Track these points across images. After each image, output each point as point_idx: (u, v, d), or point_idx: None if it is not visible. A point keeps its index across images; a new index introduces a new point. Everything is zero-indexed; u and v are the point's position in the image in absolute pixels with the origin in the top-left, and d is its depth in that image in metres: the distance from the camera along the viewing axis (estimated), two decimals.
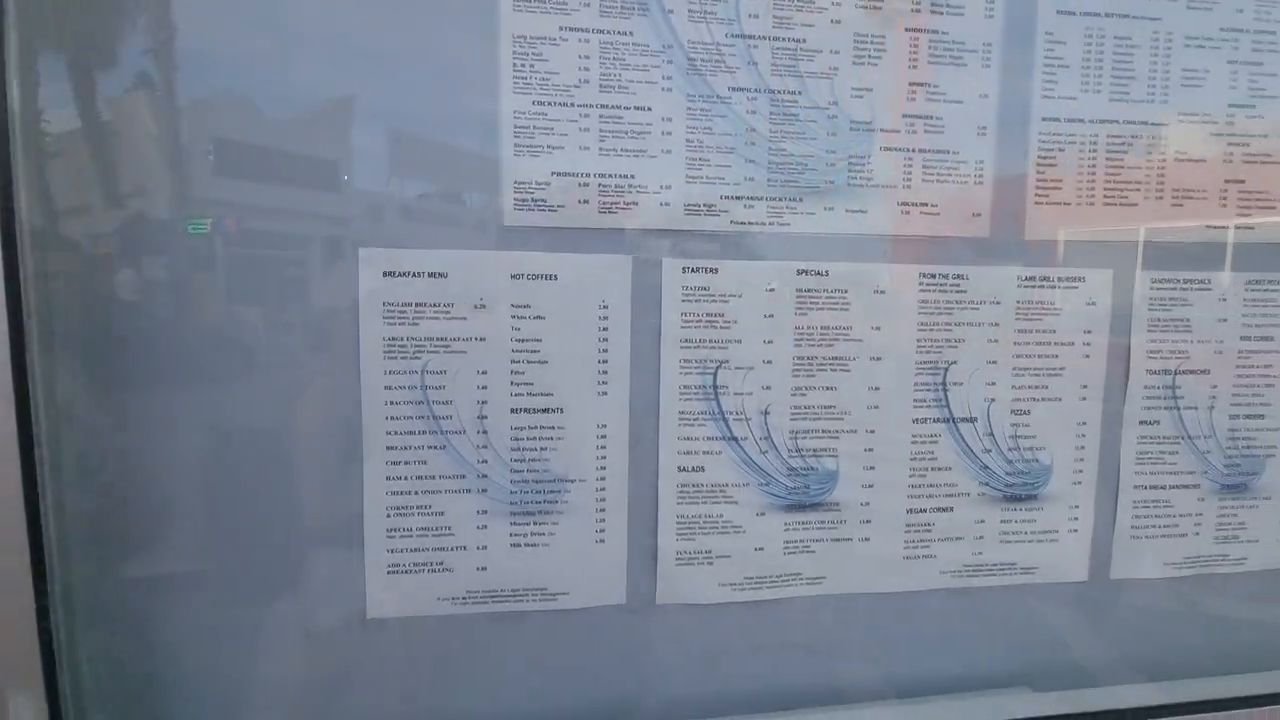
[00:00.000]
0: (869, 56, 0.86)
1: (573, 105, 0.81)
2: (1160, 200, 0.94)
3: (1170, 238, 0.96)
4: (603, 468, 0.86)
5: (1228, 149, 0.95)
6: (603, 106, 0.82)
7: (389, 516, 0.82)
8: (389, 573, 0.83)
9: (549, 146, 0.81)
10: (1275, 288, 0.98)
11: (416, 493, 0.82)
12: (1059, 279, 0.94)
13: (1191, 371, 0.98)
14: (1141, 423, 0.97)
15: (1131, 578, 1.00)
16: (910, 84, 0.88)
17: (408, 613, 0.84)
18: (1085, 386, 0.96)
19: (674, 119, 0.83)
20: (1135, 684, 1.00)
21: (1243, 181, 0.96)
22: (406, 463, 0.82)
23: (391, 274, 0.79)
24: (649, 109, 0.83)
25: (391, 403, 0.81)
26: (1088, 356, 0.95)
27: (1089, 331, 0.95)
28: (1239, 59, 0.94)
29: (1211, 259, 0.97)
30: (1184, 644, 1.03)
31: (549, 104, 0.80)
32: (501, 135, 0.80)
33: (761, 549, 0.91)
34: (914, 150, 0.89)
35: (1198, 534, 1.01)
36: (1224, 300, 0.98)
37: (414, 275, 0.80)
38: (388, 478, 0.82)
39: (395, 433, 0.81)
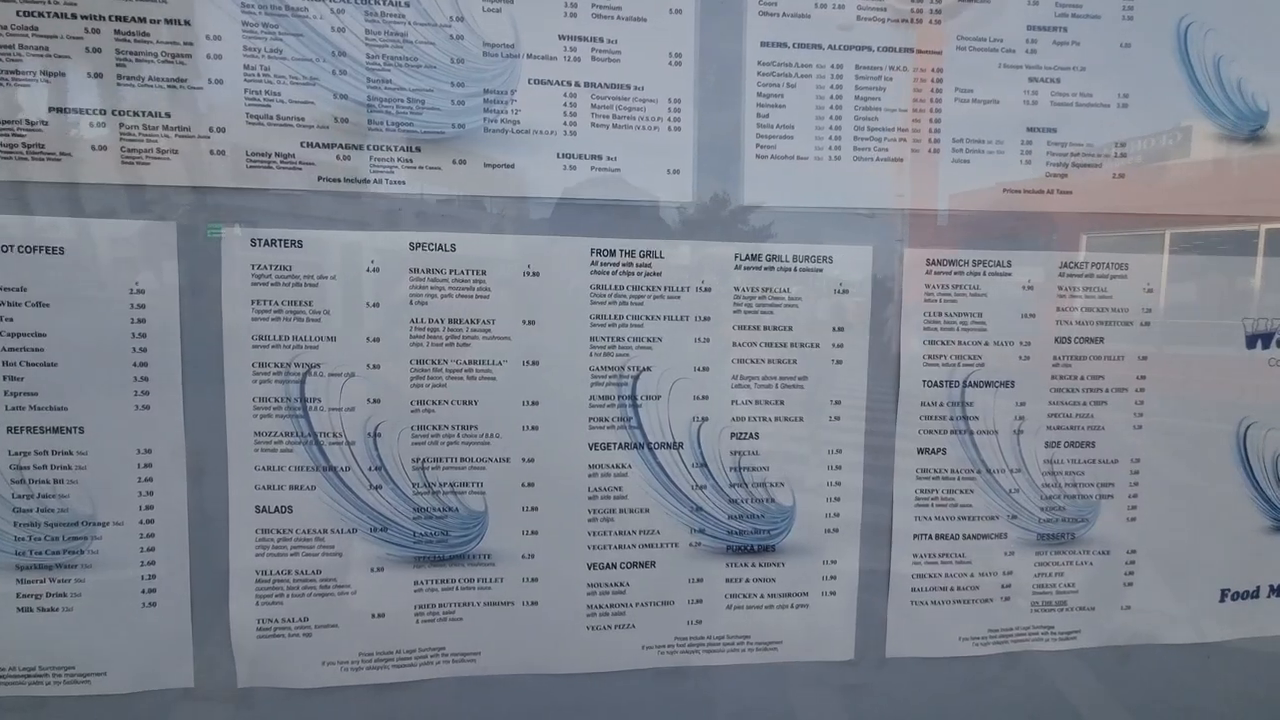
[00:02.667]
0: None
1: (73, 17, 0.60)
2: (936, 154, 0.71)
3: (953, 204, 0.72)
4: (149, 506, 0.65)
5: (1030, 85, 0.72)
6: (118, 18, 0.60)
7: None
8: None
9: (41, 73, 0.60)
10: (1100, 273, 0.74)
11: None
12: (796, 259, 0.70)
13: (989, 384, 0.74)
14: (921, 450, 0.73)
15: (915, 656, 0.76)
16: None
17: None
18: (838, 403, 0.72)
19: (224, 36, 0.62)
20: None
21: (1053, 130, 0.72)
22: None
23: None
24: (185, 22, 0.61)
25: None
26: (839, 362, 0.72)
27: (840, 329, 0.71)
28: None
29: (1012, 233, 0.73)
30: None
31: (35, 14, 0.60)
32: None
33: (383, 615, 0.68)
34: (578, 84, 0.66)
35: (1007, 599, 0.76)
36: (1030, 289, 0.73)
37: None
38: None
39: None
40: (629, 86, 0.67)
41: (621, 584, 0.71)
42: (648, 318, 0.69)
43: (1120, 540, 0.77)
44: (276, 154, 0.63)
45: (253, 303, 0.64)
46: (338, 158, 0.64)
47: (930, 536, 0.74)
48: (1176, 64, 0.73)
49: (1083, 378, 0.74)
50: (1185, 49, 0.72)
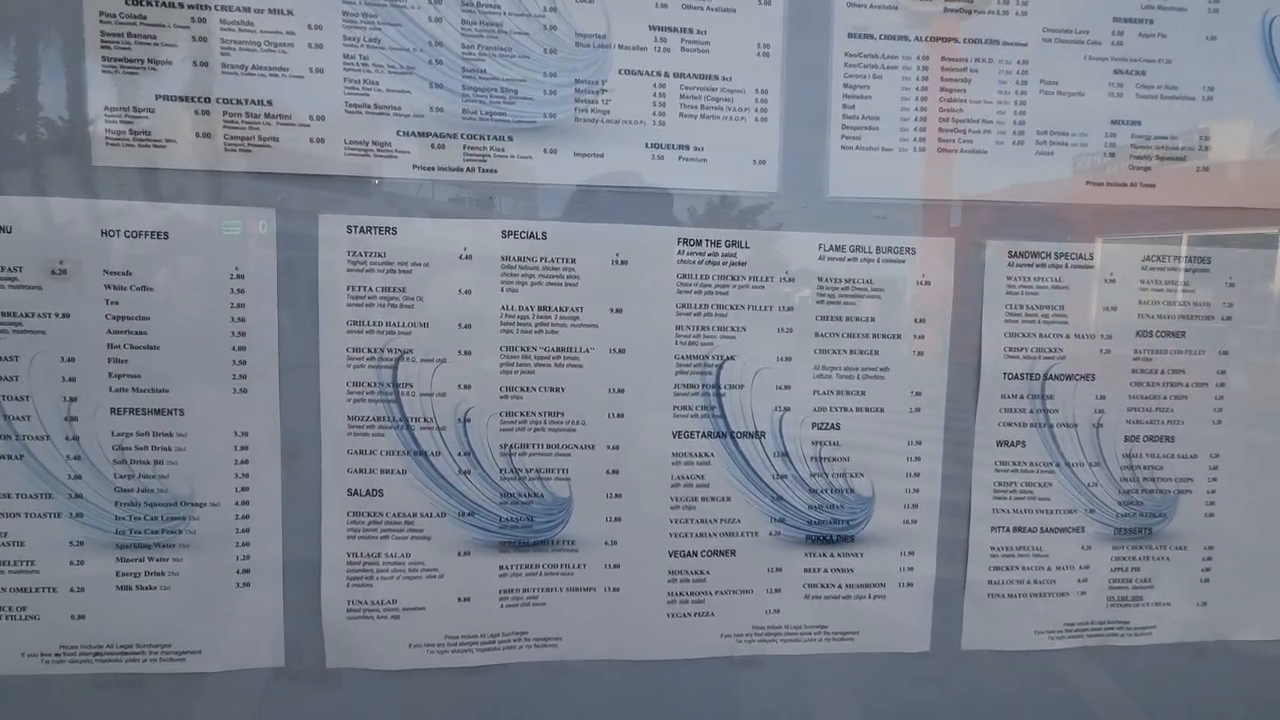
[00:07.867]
0: None
1: (181, 6, 0.62)
2: (1020, 146, 0.71)
3: (1036, 197, 0.72)
4: (245, 488, 0.66)
5: (1115, 77, 0.71)
6: (224, 8, 0.62)
7: None
8: None
9: (150, 60, 0.61)
10: (1183, 266, 0.74)
11: None
12: (879, 250, 0.70)
13: (1069, 376, 0.74)
14: (1000, 443, 0.73)
15: (990, 649, 0.76)
16: None
17: None
18: (918, 394, 0.72)
19: (325, 26, 0.63)
20: None
21: (1138, 123, 0.72)
22: None
23: None
24: (289, 12, 0.62)
25: None
26: (921, 354, 0.72)
27: (922, 321, 0.72)
28: None
29: (1095, 225, 0.73)
30: None
31: (144, 3, 0.61)
32: (85, 42, 0.61)
33: (468, 599, 0.69)
34: (668, 74, 0.67)
35: (1083, 594, 0.76)
36: (1112, 281, 0.73)
37: None
38: None
39: None
40: (717, 77, 0.67)
41: (702, 572, 0.71)
42: (732, 307, 0.69)
43: (1198, 536, 0.76)
44: (373, 142, 0.64)
45: (348, 289, 0.65)
46: (432, 146, 0.65)
47: (1008, 529, 0.74)
48: (1261, 58, 0.72)
49: (1163, 371, 0.74)
50: (1270, 43, 0.72)
